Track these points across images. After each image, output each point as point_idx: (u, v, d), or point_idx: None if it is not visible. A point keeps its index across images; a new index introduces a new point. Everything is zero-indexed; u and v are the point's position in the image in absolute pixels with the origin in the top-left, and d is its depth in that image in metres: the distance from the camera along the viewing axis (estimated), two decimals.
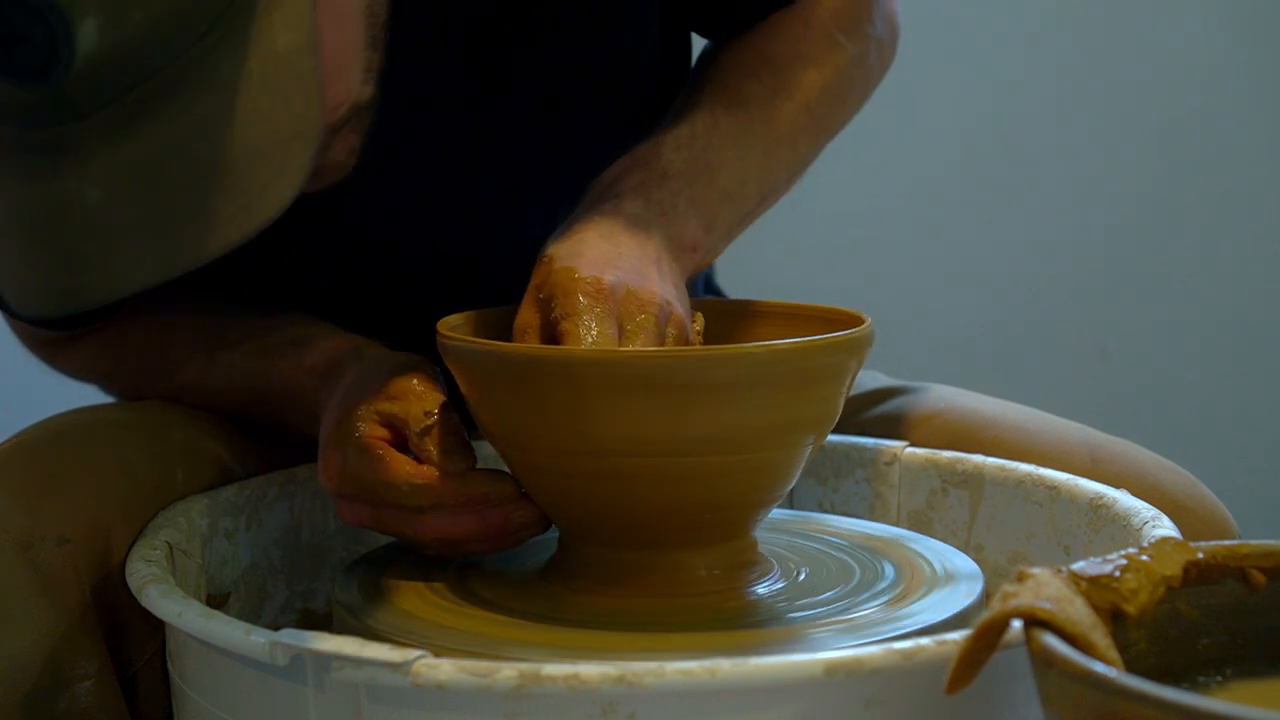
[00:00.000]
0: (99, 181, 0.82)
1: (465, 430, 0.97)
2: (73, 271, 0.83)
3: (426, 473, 0.95)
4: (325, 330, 1.10)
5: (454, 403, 0.97)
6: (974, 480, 1.11)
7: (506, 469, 0.97)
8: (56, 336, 1.19)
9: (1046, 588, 0.73)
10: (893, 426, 1.19)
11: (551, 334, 0.95)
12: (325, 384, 1.05)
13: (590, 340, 0.92)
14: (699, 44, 1.23)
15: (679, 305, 0.98)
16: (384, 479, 0.95)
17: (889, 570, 0.99)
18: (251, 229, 0.82)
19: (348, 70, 0.95)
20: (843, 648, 0.85)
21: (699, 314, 1.02)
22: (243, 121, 0.82)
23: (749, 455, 0.93)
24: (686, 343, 0.97)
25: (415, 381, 0.98)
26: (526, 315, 0.96)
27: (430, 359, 1.00)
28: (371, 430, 0.96)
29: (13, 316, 1.19)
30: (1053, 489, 1.07)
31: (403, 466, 0.95)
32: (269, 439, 1.14)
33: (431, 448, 0.95)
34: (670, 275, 1.00)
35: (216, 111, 0.81)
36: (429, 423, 0.96)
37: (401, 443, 0.97)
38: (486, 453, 1.01)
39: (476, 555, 0.99)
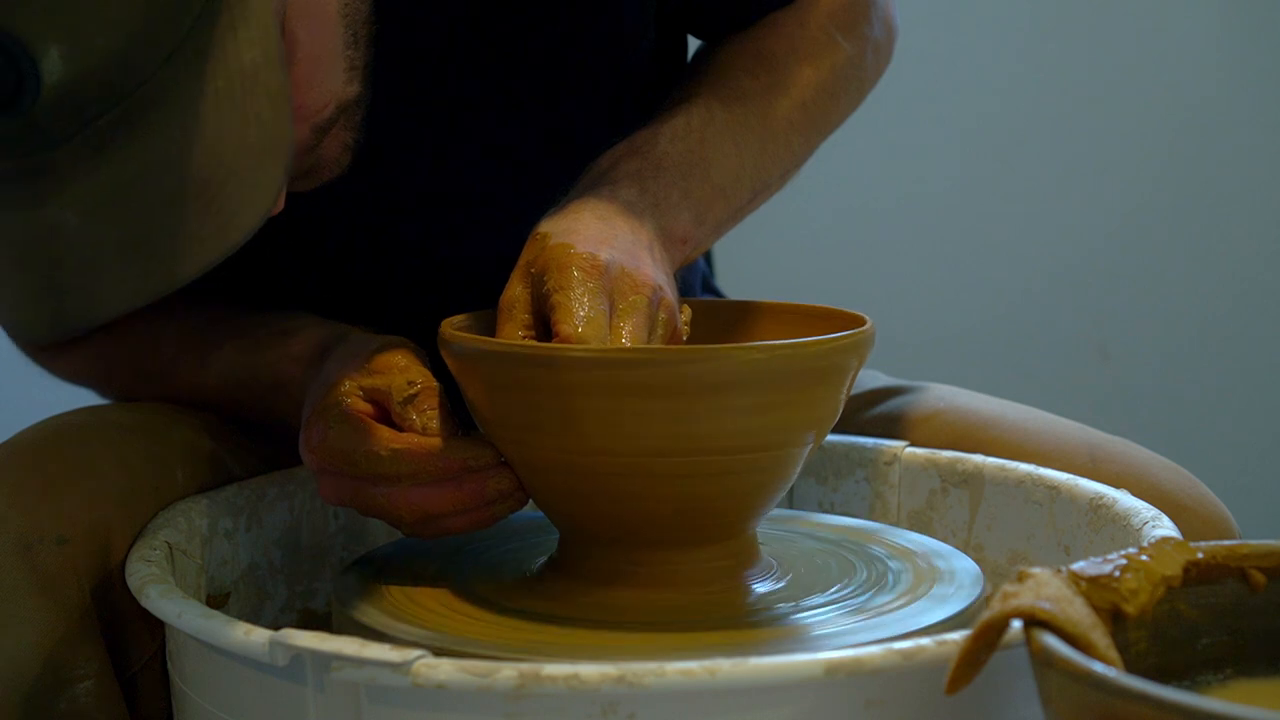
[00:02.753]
0: (76, 207, 0.83)
1: (449, 402, 0.97)
2: (57, 297, 0.84)
3: (406, 438, 0.95)
4: (311, 320, 1.10)
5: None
6: (974, 480, 1.11)
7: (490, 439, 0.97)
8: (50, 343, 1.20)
9: (1046, 588, 0.73)
10: (893, 426, 1.19)
11: (540, 309, 0.95)
12: (311, 369, 1.05)
13: (582, 314, 0.92)
14: (693, 46, 1.23)
15: (670, 292, 0.98)
16: (364, 448, 0.95)
17: (889, 570, 0.99)
18: (229, 247, 0.83)
19: (329, 72, 0.95)
20: (843, 648, 0.85)
21: (686, 307, 1.01)
22: (212, 141, 0.82)
23: (749, 455, 0.93)
24: (675, 330, 0.97)
25: (399, 356, 0.99)
26: (515, 291, 0.96)
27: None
28: (355, 405, 0.97)
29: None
30: (1053, 489, 1.07)
31: (383, 433, 0.95)
32: (269, 439, 1.14)
33: (414, 415, 0.95)
34: (662, 263, 1.00)
35: (186, 133, 0.82)
36: (411, 392, 0.96)
37: (385, 417, 0.97)
38: None
39: (456, 534, 0.98)
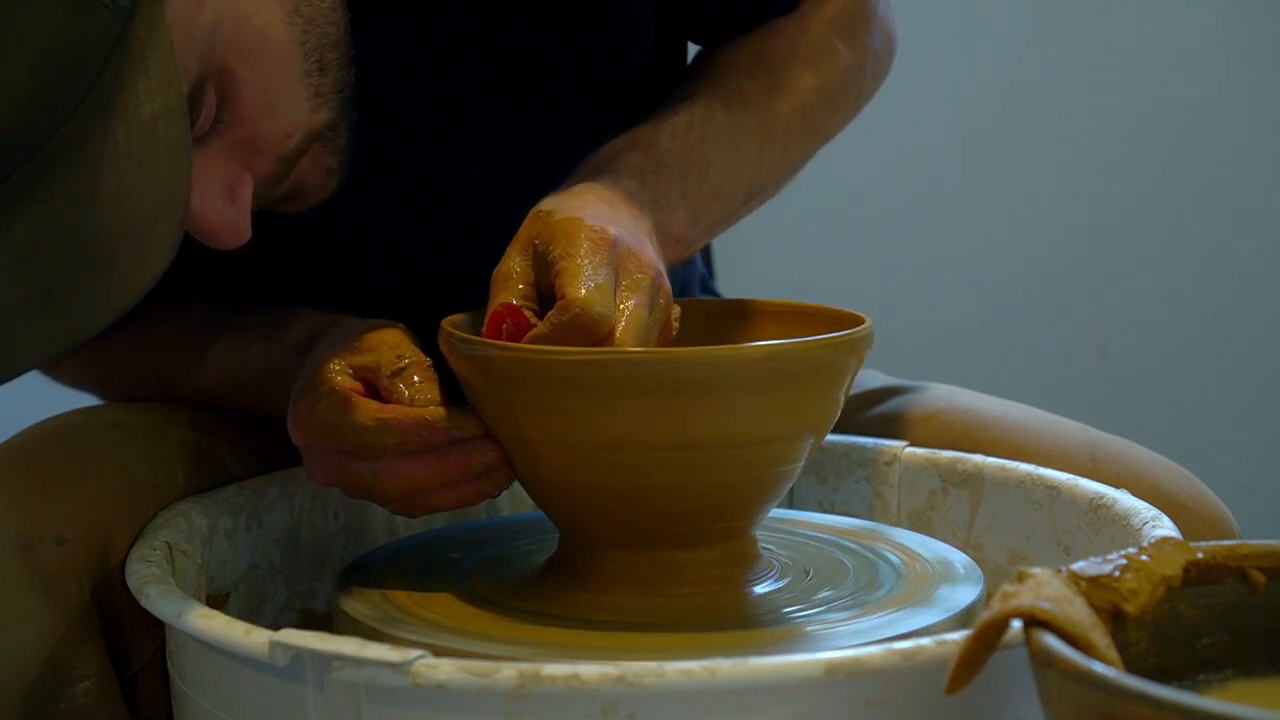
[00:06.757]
0: None
1: (438, 376, 0.97)
2: None
3: (391, 409, 0.95)
4: (304, 311, 1.10)
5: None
6: (974, 480, 1.11)
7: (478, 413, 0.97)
8: None
9: (1046, 588, 0.73)
10: (892, 426, 1.19)
11: (541, 280, 0.94)
12: (304, 357, 1.05)
13: (588, 281, 0.91)
14: (692, 52, 1.23)
15: (667, 282, 0.98)
16: (350, 420, 0.95)
17: (888, 570, 0.99)
18: (126, 304, 0.84)
19: (284, 104, 0.95)
20: (843, 648, 0.85)
21: (677, 307, 1.01)
22: (112, 196, 0.82)
23: (748, 455, 0.93)
24: (668, 323, 0.97)
25: (388, 335, 0.99)
26: (513, 262, 0.95)
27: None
28: (343, 381, 0.97)
29: None
30: (1053, 489, 1.07)
31: (369, 405, 0.95)
32: (269, 439, 1.14)
33: (402, 387, 0.95)
34: (658, 255, 1.00)
35: (87, 189, 0.82)
36: (400, 365, 0.96)
37: (373, 394, 0.97)
38: None
39: (442, 510, 0.98)
